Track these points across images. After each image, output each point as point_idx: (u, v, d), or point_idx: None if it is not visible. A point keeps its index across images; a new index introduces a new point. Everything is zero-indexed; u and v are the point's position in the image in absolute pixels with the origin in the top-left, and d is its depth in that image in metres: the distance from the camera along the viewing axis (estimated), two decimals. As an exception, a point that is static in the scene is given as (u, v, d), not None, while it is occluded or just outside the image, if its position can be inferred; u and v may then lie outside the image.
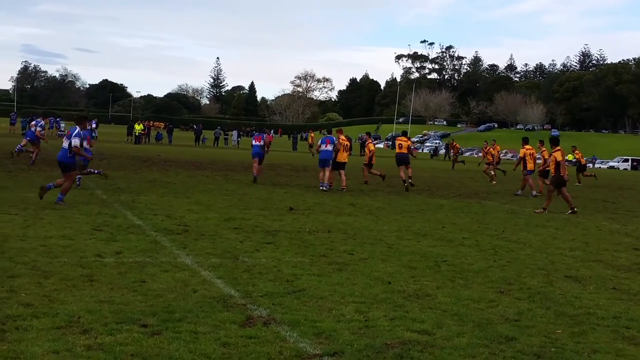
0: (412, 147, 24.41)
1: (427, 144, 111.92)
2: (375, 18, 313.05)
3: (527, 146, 25.37)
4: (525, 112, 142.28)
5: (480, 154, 30.29)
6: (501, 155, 30.38)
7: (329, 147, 22.00)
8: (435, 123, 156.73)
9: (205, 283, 8.06)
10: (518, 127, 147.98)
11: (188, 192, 18.59)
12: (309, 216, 15.09)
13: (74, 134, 14.91)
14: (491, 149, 32.55)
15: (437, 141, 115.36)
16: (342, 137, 23.11)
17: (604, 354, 6.23)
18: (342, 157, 22.77)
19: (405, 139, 25.86)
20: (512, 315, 7.38)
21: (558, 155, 18.79)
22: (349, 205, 17.79)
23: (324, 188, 21.55)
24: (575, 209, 18.79)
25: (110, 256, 9.33)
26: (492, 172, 31.53)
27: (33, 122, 28.49)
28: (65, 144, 15.06)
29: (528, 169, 24.92)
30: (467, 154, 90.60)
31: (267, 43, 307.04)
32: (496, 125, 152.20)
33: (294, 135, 79.33)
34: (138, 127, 60.40)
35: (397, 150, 25.26)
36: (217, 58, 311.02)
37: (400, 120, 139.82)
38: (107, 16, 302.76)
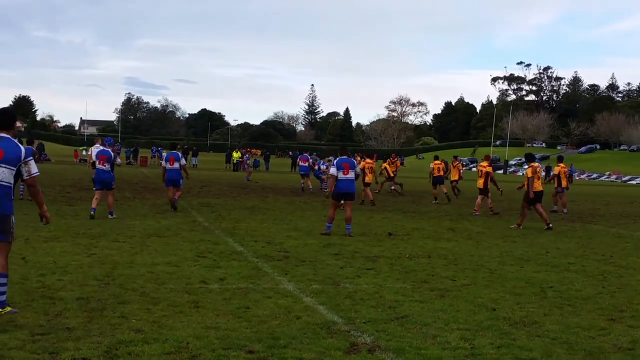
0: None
1: (526, 167, 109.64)
2: (470, 41, 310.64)
3: (561, 164, 26.81)
4: (629, 132, 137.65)
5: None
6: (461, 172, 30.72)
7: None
8: (534, 145, 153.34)
9: (308, 309, 8.10)
10: (622, 147, 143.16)
11: (287, 219, 18.79)
12: (408, 242, 14.99)
13: (180, 156, 19.80)
14: (451, 166, 31.57)
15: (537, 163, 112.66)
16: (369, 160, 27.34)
17: None
18: (368, 178, 26.55)
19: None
20: (625, 344, 7.09)
21: (529, 172, 19.46)
22: (448, 230, 17.59)
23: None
24: (551, 225, 19.05)
25: (215, 282, 9.50)
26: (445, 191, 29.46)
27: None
28: (177, 165, 19.78)
29: (562, 186, 25.96)
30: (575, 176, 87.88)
31: (361, 69, 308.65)
32: (598, 147, 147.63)
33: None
34: (236, 155, 61.71)
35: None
36: (312, 85, 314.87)
37: (497, 143, 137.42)
38: (206, 47, 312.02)
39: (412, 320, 7.74)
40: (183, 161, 20.26)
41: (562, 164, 26.71)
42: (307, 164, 32.81)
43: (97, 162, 17.50)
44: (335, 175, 15.62)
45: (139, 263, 10.73)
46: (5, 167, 7.23)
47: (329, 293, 9.11)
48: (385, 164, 33.30)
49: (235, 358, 6.07)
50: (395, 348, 6.58)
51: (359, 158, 30.14)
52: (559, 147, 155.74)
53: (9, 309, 7.25)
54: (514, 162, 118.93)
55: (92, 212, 16.79)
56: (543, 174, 59.13)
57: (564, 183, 26.02)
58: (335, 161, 15.94)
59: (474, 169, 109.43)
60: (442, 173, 29.65)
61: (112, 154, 17.79)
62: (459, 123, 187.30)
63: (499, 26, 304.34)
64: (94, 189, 17.73)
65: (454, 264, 12.08)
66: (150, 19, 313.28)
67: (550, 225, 19.09)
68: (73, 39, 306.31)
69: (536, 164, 20.15)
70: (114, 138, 20.03)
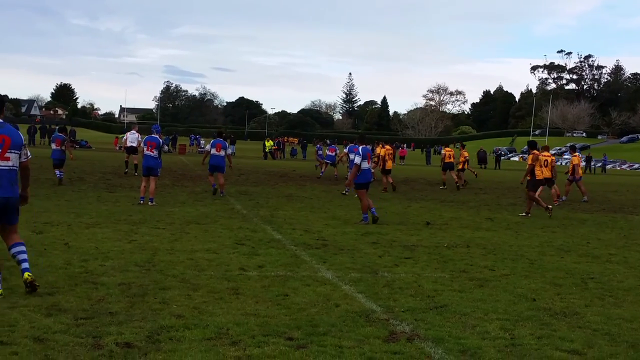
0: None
1: (566, 156, 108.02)
2: (510, 29, 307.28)
3: (575, 154, 27.79)
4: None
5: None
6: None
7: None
8: (574, 135, 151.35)
9: (346, 297, 8.12)
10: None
11: (324, 207, 18.81)
12: (446, 231, 14.93)
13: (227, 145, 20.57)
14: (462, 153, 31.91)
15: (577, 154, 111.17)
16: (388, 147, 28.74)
17: None
18: (389, 164, 27.76)
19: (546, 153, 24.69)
20: (668, 337, 6.99)
21: (530, 159, 19.78)
22: (487, 220, 17.46)
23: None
24: (529, 214, 18.94)
25: (253, 270, 9.56)
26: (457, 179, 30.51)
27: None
28: (222, 153, 20.42)
29: (577, 175, 26.08)
30: (610, 166, 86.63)
31: (399, 57, 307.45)
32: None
33: (427, 149, 78.72)
34: (268, 144, 62.05)
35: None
36: (350, 73, 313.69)
37: (537, 132, 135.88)
38: (243, 36, 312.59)
39: (451, 310, 7.71)
40: (229, 150, 20.73)
41: (576, 154, 27.55)
42: (334, 154, 32.91)
43: (145, 149, 17.69)
44: (359, 164, 15.55)
45: (178, 250, 10.84)
46: (14, 153, 7.45)
47: (368, 281, 9.12)
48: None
49: (274, 345, 6.11)
50: (435, 337, 6.57)
51: (380, 145, 30.77)
52: (599, 137, 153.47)
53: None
54: (553, 152, 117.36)
55: (140, 202, 17.06)
56: (583, 164, 58.38)
57: (580, 172, 26.42)
58: (360, 149, 15.78)
59: (513, 159, 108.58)
60: (452, 159, 30.61)
61: (161, 141, 18.03)
62: (497, 112, 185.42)
63: (539, 14, 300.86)
64: (142, 175, 17.85)
65: (493, 254, 12.00)
66: (188, 7, 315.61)
67: (529, 214, 18.92)
68: (112, 27, 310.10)
69: (537, 152, 20.46)
70: (151, 126, 20.22)
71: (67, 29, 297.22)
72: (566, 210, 21.38)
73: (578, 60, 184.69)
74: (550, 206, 19.50)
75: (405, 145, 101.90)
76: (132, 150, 28.68)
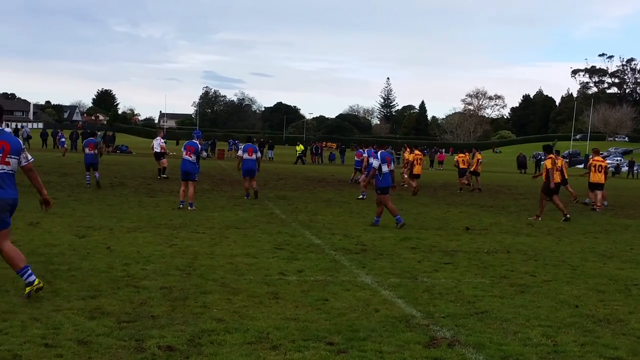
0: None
1: (608, 161, 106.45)
2: (549, 33, 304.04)
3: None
4: None
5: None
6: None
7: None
8: (616, 139, 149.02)
9: (386, 302, 8.10)
10: None
11: (363, 212, 18.79)
12: (486, 236, 14.81)
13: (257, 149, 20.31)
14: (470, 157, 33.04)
15: (619, 158, 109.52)
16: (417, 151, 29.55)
17: None
18: (417, 169, 28.32)
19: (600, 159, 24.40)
20: None
21: (548, 164, 19.33)
22: (527, 225, 17.28)
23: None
24: (568, 216, 18.87)
25: (293, 274, 9.59)
26: (466, 182, 31.36)
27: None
28: (254, 156, 20.73)
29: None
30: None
31: (437, 61, 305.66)
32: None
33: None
34: (298, 148, 62.71)
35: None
36: (388, 78, 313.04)
37: (578, 137, 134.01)
38: (281, 41, 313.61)
39: (492, 316, 7.65)
40: (259, 154, 21.28)
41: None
42: (361, 159, 32.92)
43: (184, 153, 17.86)
44: (377, 167, 15.60)
45: (218, 254, 10.91)
46: (14, 158, 7.59)
47: (407, 287, 9.09)
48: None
49: (315, 349, 6.12)
50: (476, 343, 6.52)
51: (408, 150, 31.76)
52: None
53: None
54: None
55: (180, 205, 17.27)
56: (626, 168, 57.14)
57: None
58: (379, 154, 15.87)
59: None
60: (466, 165, 31.56)
61: (200, 146, 18.23)
62: (537, 116, 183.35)
63: (580, 17, 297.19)
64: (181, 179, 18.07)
65: (534, 260, 11.87)
66: (227, 14, 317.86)
67: (568, 216, 18.91)
68: (153, 34, 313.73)
69: (554, 156, 20.28)
70: (191, 131, 20.57)
71: (109, 35, 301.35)
72: (609, 216, 21.08)
73: (620, 63, 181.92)
74: (569, 215, 19.10)
75: (443, 150, 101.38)
76: (158, 156, 29.13)
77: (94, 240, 11.69)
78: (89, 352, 5.78)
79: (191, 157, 17.67)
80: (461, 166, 31.30)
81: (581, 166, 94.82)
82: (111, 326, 6.55)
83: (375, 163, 15.74)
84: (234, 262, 10.24)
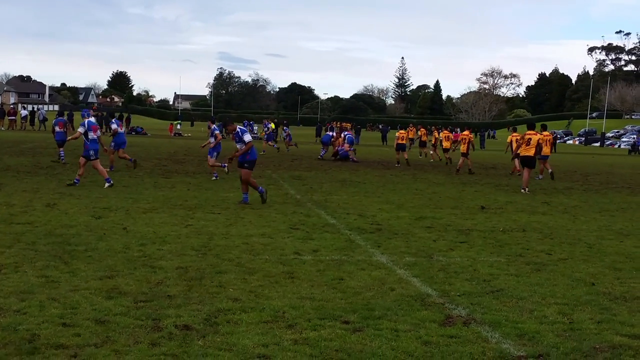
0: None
1: (624, 139, 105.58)
2: (565, 10, 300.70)
3: (545, 132, 26.83)
4: None
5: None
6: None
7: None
8: (633, 117, 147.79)
9: (401, 281, 8.11)
10: None
11: (378, 192, 18.77)
12: (501, 215, 14.77)
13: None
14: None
15: (634, 136, 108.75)
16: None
17: None
18: (446, 144, 32.90)
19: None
20: None
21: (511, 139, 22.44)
22: (543, 204, 17.21)
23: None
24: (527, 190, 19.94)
25: (308, 254, 9.61)
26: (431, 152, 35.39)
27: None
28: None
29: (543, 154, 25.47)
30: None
31: (451, 41, 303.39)
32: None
33: (481, 133, 77.75)
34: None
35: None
36: (402, 58, 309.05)
37: (594, 115, 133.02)
38: (296, 22, 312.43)
39: (508, 294, 7.65)
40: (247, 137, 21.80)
41: (545, 132, 27.07)
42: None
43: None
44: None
45: (234, 234, 10.95)
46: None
47: (422, 266, 9.09)
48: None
49: (330, 328, 6.14)
50: (491, 321, 6.53)
51: (423, 129, 38.23)
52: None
53: None
54: (611, 135, 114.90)
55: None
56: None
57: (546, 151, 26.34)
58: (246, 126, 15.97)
59: (569, 142, 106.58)
60: (449, 142, 33.84)
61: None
62: (553, 95, 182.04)
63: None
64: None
65: (550, 238, 11.84)
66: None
67: (527, 189, 20.03)
68: (167, 15, 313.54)
69: (517, 134, 22.79)
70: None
71: (123, 17, 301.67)
72: (625, 194, 20.96)
73: (637, 40, 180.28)
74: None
75: (459, 129, 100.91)
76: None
77: (110, 221, 11.76)
78: (107, 332, 5.83)
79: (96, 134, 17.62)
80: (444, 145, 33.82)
81: (597, 144, 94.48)
82: (128, 306, 6.61)
83: (247, 137, 15.14)
84: (250, 242, 10.28)
